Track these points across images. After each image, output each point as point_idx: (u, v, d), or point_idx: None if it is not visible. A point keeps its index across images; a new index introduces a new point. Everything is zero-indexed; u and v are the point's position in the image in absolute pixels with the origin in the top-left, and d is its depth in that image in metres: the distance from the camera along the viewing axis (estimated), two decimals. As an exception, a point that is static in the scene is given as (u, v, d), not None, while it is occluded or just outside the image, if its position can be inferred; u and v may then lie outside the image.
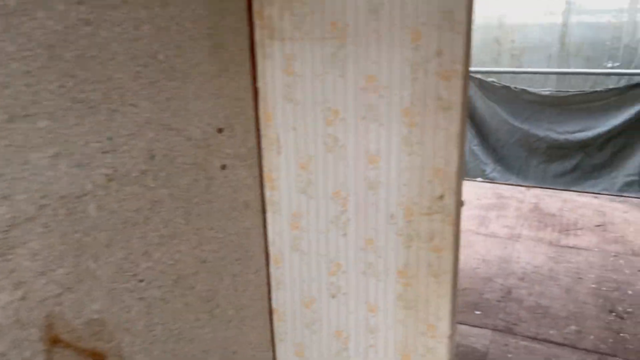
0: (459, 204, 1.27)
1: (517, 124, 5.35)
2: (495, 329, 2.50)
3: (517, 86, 5.22)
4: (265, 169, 1.39)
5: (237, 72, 1.19)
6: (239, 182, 1.26)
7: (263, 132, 1.36)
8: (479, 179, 4.72)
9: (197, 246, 1.14)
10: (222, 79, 1.15)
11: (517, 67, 5.32)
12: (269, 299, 1.48)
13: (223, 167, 1.19)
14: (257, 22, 1.27)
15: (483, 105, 5.43)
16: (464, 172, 1.27)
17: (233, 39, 1.17)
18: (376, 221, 1.30)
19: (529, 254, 3.24)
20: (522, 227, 3.64)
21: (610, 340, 2.39)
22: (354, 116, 1.24)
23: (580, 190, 5.14)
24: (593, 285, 2.86)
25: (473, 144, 5.55)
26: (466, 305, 2.71)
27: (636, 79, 4.90)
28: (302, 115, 1.30)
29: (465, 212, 3.94)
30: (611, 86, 4.97)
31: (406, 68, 1.15)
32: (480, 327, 2.52)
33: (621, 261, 3.12)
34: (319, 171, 1.32)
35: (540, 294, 2.79)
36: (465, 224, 3.72)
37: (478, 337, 2.44)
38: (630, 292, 2.79)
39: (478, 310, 2.66)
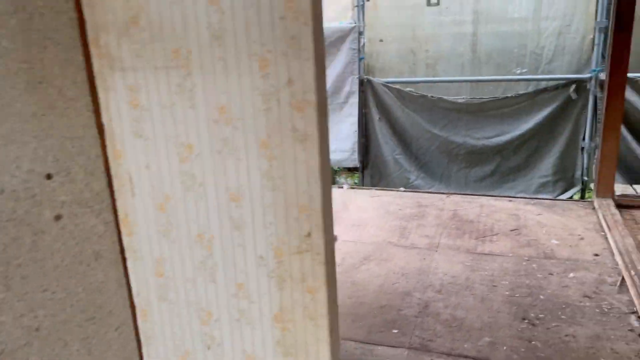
0: (330, 240, 1.17)
1: (436, 131, 5.44)
2: (411, 347, 2.45)
3: (434, 95, 5.31)
4: (121, 213, 1.24)
5: (70, 108, 1.05)
6: (83, 231, 1.11)
7: (113, 172, 1.21)
8: (402, 188, 4.74)
9: (25, 314, 0.98)
10: (48, 118, 1.00)
11: (432, 76, 5.41)
12: (140, 356, 1.33)
13: (57, 217, 1.04)
14: (93, 51, 1.13)
15: (403, 114, 5.49)
16: (330, 207, 1.18)
17: (61, 71, 1.02)
18: (245, 264, 1.18)
19: (447, 264, 3.24)
20: (441, 236, 3.66)
21: (522, 349, 2.40)
22: (210, 151, 1.12)
23: (498, 194, 5.29)
24: (507, 293, 2.88)
25: (396, 152, 5.59)
26: (384, 324, 2.65)
27: (543, 84, 5.11)
28: (155, 151, 1.17)
29: (388, 223, 3.92)
30: (521, 92, 5.16)
31: (257, 98, 1.05)
32: (397, 347, 2.46)
33: (534, 265, 3.18)
34: (178, 213, 1.19)
35: (456, 305, 2.78)
36: (387, 236, 3.70)
37: (394, 359, 2.37)
38: (542, 297, 2.83)
39: (395, 329, 2.60)
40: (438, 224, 3.87)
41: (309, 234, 1.12)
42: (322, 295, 1.16)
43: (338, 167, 6.20)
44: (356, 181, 6.18)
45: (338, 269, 3.23)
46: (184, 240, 1.21)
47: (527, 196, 4.65)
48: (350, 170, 6.43)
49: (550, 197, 5.29)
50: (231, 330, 1.25)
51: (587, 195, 5.30)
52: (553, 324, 2.57)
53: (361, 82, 5.45)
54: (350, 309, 2.79)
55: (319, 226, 1.12)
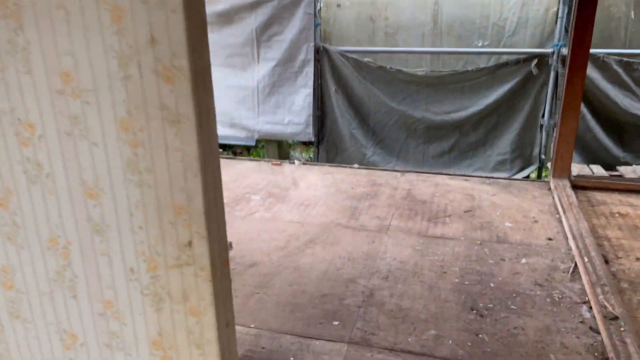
0: (221, 251, 0.92)
1: (394, 105, 5.23)
2: (351, 342, 2.26)
3: (393, 66, 5.07)
4: (-50, 210, 0.95)
5: None
6: None
7: None
8: (356, 165, 4.52)
9: None
10: None
11: (392, 46, 5.15)
12: (-10, 383, 1.07)
13: None
14: None
15: (360, 86, 5.23)
16: (220, 208, 0.90)
17: None
18: (112, 277, 0.92)
19: (397, 248, 3.06)
20: (393, 217, 3.47)
21: (469, 343, 2.24)
22: (57, 132, 0.85)
23: (455, 172, 5.15)
24: (456, 280, 2.73)
25: (352, 127, 5.36)
26: (325, 314, 2.45)
27: (504, 58, 4.94)
28: (-14, 131, 0.88)
29: (338, 202, 3.71)
30: (482, 65, 4.98)
31: (112, 62, 0.77)
32: (336, 341, 2.26)
33: (486, 250, 3.04)
34: (24, 210, 0.91)
35: (403, 294, 2.60)
36: (336, 216, 3.48)
37: (331, 355, 2.18)
38: (492, 284, 2.69)
39: (336, 320, 2.41)
40: (390, 204, 3.68)
41: (189, 243, 0.87)
42: (209, 318, 0.92)
43: (292, 141, 5.93)
44: (311, 155, 5.94)
45: (281, 253, 3.00)
46: (34, 246, 0.93)
47: (484, 175, 4.51)
48: (306, 144, 6.17)
49: (507, 175, 5.19)
50: (101, 357, 0.99)
51: (544, 174, 5.22)
52: (502, 315, 2.43)
53: (317, 50, 5.15)
54: (290, 297, 2.58)
55: (202, 233, 0.87)
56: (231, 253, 3.00)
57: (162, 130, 0.80)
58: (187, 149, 0.80)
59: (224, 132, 5.63)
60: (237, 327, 2.33)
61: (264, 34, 5.15)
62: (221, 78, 5.45)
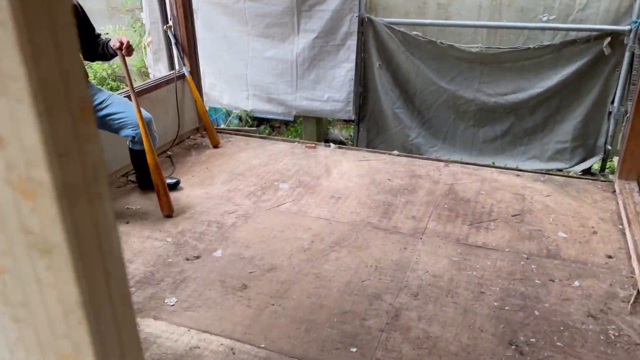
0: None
1: (443, 84, 4.78)
2: (368, 376, 2.03)
3: (444, 41, 4.60)
4: None
5: None
6: None
7: None
8: (395, 152, 4.18)
9: None
10: None
11: (444, 19, 4.66)
12: None
13: None
14: None
15: (407, 62, 4.81)
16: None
17: None
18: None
19: (431, 258, 2.76)
20: (430, 218, 3.15)
21: (503, 389, 1.96)
22: None
23: (507, 159, 4.72)
24: (495, 303, 2.41)
25: (396, 106, 4.97)
26: (342, 337, 2.21)
27: (572, 35, 4.37)
28: None
29: (372, 196, 3.41)
30: (546, 42, 4.43)
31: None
32: (351, 374, 2.04)
33: (533, 266, 2.69)
34: None
35: (432, 317, 2.32)
36: (368, 214, 3.20)
37: (344, 391, 1.96)
38: (536, 312, 2.36)
39: (354, 346, 2.17)
40: (429, 202, 3.36)
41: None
42: None
43: (332, 119, 5.60)
44: (351, 133, 5.61)
45: (303, 256, 2.77)
46: None
47: (538, 170, 4.07)
48: (346, 122, 5.83)
49: (565, 165, 4.70)
50: None
51: (608, 165, 4.69)
52: (545, 354, 2.12)
53: (361, 22, 4.74)
54: (307, 313, 2.36)
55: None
56: (251, 252, 2.80)
57: (28, 258, 0.55)
58: (64, 288, 0.55)
59: (262, 106, 5.38)
60: (246, 347, 2.14)
61: (304, 3, 4.77)
62: (260, 49, 5.15)
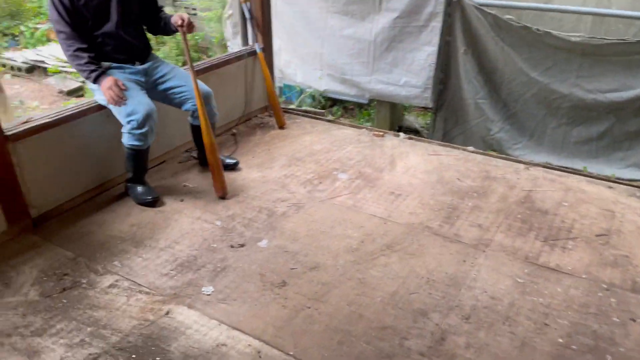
0: None
1: (535, 75, 4.32)
2: (399, 405, 1.83)
3: (541, 28, 4.11)
4: None
5: None
6: None
7: None
8: (470, 148, 3.82)
9: None
10: None
11: (544, 2, 4.16)
12: None
13: None
14: None
15: (496, 49, 4.38)
16: None
17: None
18: None
19: (492, 276, 2.47)
20: (499, 229, 2.83)
21: None
22: None
23: (602, 166, 4.20)
24: (560, 340, 2.10)
25: (479, 96, 4.58)
26: (377, 356, 2.02)
27: (699, 28, 3.72)
28: None
29: (436, 197, 3.14)
30: (664, 35, 3.82)
31: None
32: (380, 400, 1.85)
33: (612, 300, 2.32)
34: None
35: (483, 347, 2.06)
36: (428, 216, 2.94)
37: (369, 420, 1.78)
38: (609, 356, 2.02)
39: (389, 368, 1.97)
40: (500, 210, 3.02)
41: None
42: None
43: (407, 104, 5.28)
44: (427, 122, 5.26)
45: (350, 257, 2.59)
46: None
47: (637, 180, 3.55)
48: (424, 108, 5.48)
49: (672, 178, 4.09)
50: None
51: None
52: (613, 412, 1.80)
53: (448, 2, 4.35)
54: (344, 322, 2.19)
55: None
56: (296, 247, 2.66)
57: None
58: None
59: (335, 87, 5.18)
60: (273, 351, 2.02)
61: (389, -21, 4.47)
62: (337, 26, 4.93)
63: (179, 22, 2.84)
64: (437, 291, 2.36)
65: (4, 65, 7.12)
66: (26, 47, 7.54)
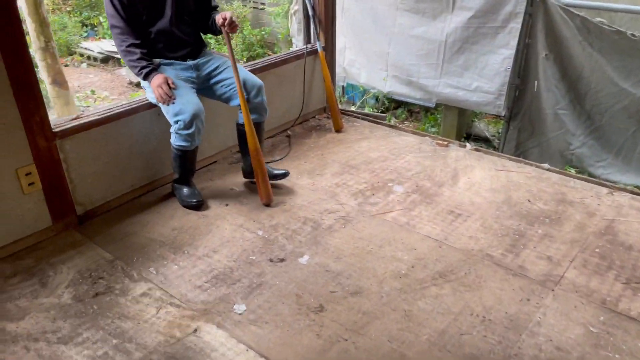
0: None
1: (627, 85, 3.83)
2: None
3: (636, 33, 3.63)
4: None
5: None
6: None
7: None
8: (546, 165, 3.43)
9: None
10: None
11: (643, 3, 3.67)
12: None
13: None
14: None
15: (582, 55, 3.93)
16: None
17: None
18: None
19: (560, 321, 2.14)
20: (572, 264, 2.48)
21: None
22: None
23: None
24: (640, 412, 1.76)
25: (559, 105, 4.14)
26: (417, 405, 1.78)
27: None
28: None
29: (501, 220, 2.82)
30: None
31: None
32: None
33: None
34: None
35: (543, 410, 1.76)
36: (490, 242, 2.63)
37: None
38: None
39: (428, 423, 1.73)
40: (575, 240, 2.65)
41: None
42: None
43: (478, 111, 4.89)
44: (499, 131, 4.86)
45: (397, 283, 2.35)
46: None
47: None
48: (496, 116, 5.07)
49: None
50: None
51: None
52: None
53: (530, 2, 3.94)
54: (382, 360, 1.96)
55: None
56: (339, 267, 2.45)
57: None
58: None
59: (399, 89, 4.90)
60: (300, 388, 1.82)
61: (465, -25, 4.13)
62: (407, 25, 4.64)
63: (221, 22, 2.71)
64: (494, 334, 2.07)
65: (81, 55, 7.40)
66: (103, 38, 7.81)
